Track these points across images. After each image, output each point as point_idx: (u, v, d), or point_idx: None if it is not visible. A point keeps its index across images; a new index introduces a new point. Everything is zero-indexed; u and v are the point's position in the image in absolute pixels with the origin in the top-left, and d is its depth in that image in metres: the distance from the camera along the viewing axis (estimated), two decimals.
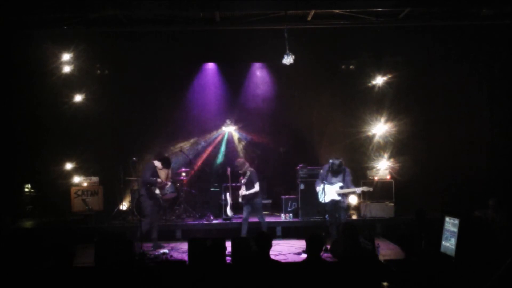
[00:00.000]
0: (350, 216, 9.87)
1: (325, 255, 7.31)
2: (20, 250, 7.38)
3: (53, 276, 4.68)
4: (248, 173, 8.51)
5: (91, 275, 5.37)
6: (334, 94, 10.77)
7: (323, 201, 8.14)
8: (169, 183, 8.61)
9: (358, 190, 8.24)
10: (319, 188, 8.24)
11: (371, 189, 8.47)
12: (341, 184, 8.21)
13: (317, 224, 8.51)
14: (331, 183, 8.19)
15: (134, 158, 8.95)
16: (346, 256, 5.69)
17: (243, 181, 8.56)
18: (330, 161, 8.29)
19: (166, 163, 8.55)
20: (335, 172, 8.22)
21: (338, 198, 8.21)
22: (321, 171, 8.55)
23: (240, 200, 8.67)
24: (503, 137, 9.82)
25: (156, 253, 7.78)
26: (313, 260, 4.80)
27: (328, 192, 8.16)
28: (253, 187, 8.45)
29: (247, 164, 8.63)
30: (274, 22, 8.97)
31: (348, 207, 9.96)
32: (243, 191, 8.53)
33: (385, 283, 4.92)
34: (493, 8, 8.82)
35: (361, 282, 4.82)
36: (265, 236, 4.97)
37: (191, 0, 8.38)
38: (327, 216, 8.18)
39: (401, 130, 10.19)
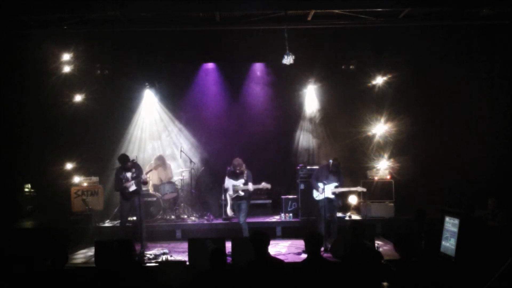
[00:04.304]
0: (350, 216, 9.88)
1: (325, 255, 7.31)
2: (20, 249, 7.38)
3: (53, 275, 4.68)
4: (246, 173, 8.45)
5: (91, 275, 5.37)
6: (334, 94, 10.78)
7: (319, 198, 8.22)
8: (132, 181, 8.35)
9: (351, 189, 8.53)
10: (318, 186, 8.27)
11: (364, 189, 8.70)
12: (336, 183, 8.35)
13: (317, 224, 8.52)
14: (326, 183, 8.25)
15: (134, 158, 8.92)
16: (349, 255, 5.66)
17: (242, 180, 8.48)
18: (330, 161, 8.47)
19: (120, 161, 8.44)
20: (334, 172, 8.38)
21: (332, 196, 8.34)
22: (315, 171, 8.60)
23: (234, 195, 8.45)
24: (503, 137, 9.80)
25: (157, 253, 7.79)
26: (313, 259, 4.79)
27: (325, 190, 8.23)
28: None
29: (244, 165, 8.57)
30: (274, 22, 8.96)
31: (348, 207, 10.02)
32: (241, 186, 8.38)
33: (385, 283, 4.92)
34: (493, 8, 8.81)
35: (362, 282, 4.81)
36: (262, 235, 4.95)
37: (191, 0, 8.38)
38: (323, 213, 8.20)
39: (401, 130, 10.19)
